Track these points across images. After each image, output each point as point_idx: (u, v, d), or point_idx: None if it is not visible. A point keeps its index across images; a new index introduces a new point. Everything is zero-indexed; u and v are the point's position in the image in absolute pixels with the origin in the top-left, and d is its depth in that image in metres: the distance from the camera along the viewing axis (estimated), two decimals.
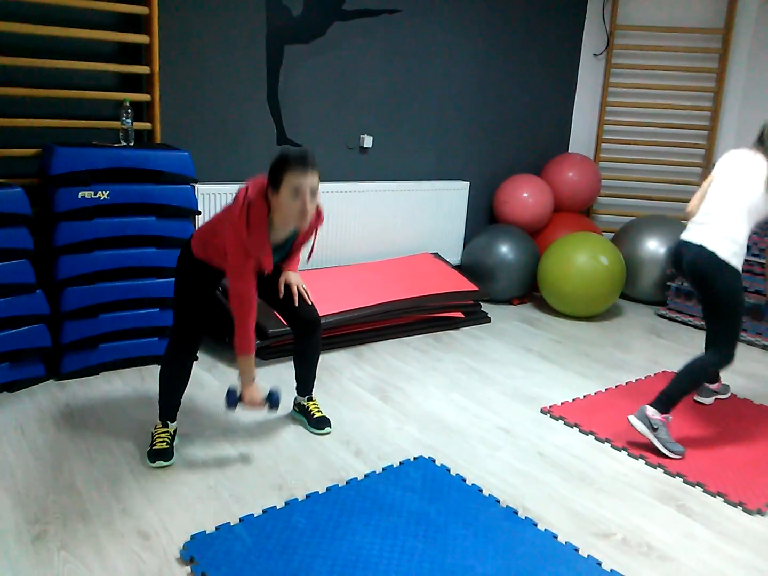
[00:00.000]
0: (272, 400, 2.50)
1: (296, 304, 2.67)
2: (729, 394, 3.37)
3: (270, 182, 2.27)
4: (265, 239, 2.31)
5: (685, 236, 2.89)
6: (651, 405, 2.80)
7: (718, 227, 2.76)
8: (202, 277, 2.49)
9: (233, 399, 2.46)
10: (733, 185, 2.81)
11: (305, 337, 2.75)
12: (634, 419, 2.81)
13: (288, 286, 2.67)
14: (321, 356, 3.55)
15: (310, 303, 2.72)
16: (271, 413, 2.62)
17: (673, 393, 2.81)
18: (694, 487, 2.57)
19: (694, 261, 2.80)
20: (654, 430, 2.78)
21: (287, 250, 2.58)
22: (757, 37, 5.02)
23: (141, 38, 3.32)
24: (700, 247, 2.78)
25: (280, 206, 2.26)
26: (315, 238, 2.62)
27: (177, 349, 2.53)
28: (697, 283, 2.84)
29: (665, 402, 2.80)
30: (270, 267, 2.39)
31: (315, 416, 2.82)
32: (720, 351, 2.81)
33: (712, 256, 2.74)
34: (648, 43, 5.27)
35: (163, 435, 2.54)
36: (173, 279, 3.19)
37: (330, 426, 2.81)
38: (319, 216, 2.52)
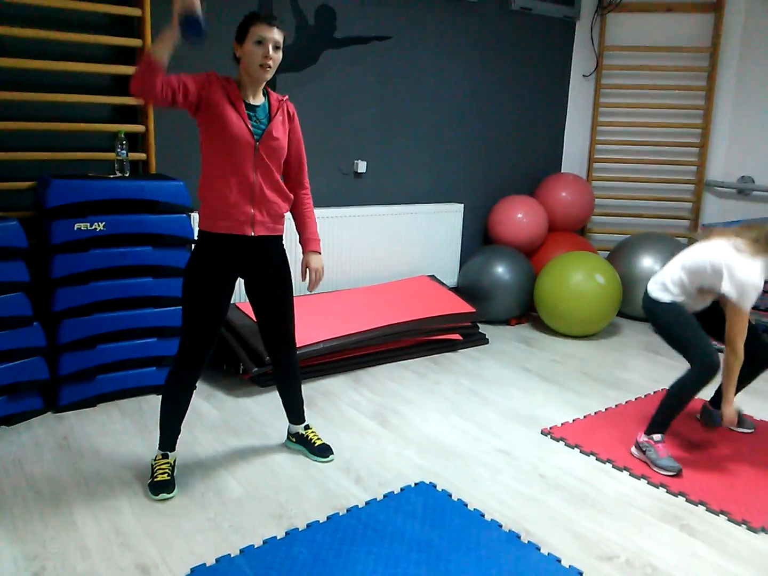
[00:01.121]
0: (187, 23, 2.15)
1: (310, 290, 2.61)
2: (750, 430, 3.23)
3: (237, 38, 2.36)
4: (234, 85, 2.39)
5: None
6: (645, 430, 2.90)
7: (660, 274, 2.98)
8: (215, 270, 2.41)
9: (191, 21, 2.16)
10: (689, 250, 2.94)
11: (279, 359, 2.71)
12: (632, 449, 2.93)
13: (309, 271, 2.61)
14: (319, 381, 3.57)
15: (290, 324, 2.65)
16: (195, 41, 2.21)
17: (658, 415, 2.87)
18: (696, 506, 2.55)
19: (642, 305, 3.05)
20: (643, 452, 2.85)
21: (265, 123, 2.44)
22: (744, 54, 5.08)
23: (134, 70, 3.34)
24: (645, 292, 3.01)
25: (245, 57, 2.34)
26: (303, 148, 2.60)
27: (183, 367, 2.47)
28: (651, 322, 3.04)
29: (652, 425, 2.87)
30: (244, 114, 2.37)
31: (317, 444, 2.80)
32: (694, 367, 2.80)
33: (648, 297, 2.97)
34: (636, 62, 5.32)
35: (164, 466, 2.52)
36: (170, 308, 3.24)
37: (333, 453, 2.79)
38: (289, 105, 2.55)
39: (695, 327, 2.82)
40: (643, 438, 2.85)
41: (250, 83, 2.40)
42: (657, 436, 2.81)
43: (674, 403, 2.82)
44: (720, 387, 3.16)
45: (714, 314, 2.94)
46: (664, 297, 2.89)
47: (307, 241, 2.63)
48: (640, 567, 2.18)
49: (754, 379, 3.08)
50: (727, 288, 2.66)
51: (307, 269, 2.62)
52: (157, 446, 2.58)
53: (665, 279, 2.91)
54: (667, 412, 2.84)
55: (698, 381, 2.77)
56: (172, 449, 2.58)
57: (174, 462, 2.57)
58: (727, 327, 2.73)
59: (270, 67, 2.35)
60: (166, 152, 3.58)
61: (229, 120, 2.35)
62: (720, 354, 2.75)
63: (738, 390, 3.14)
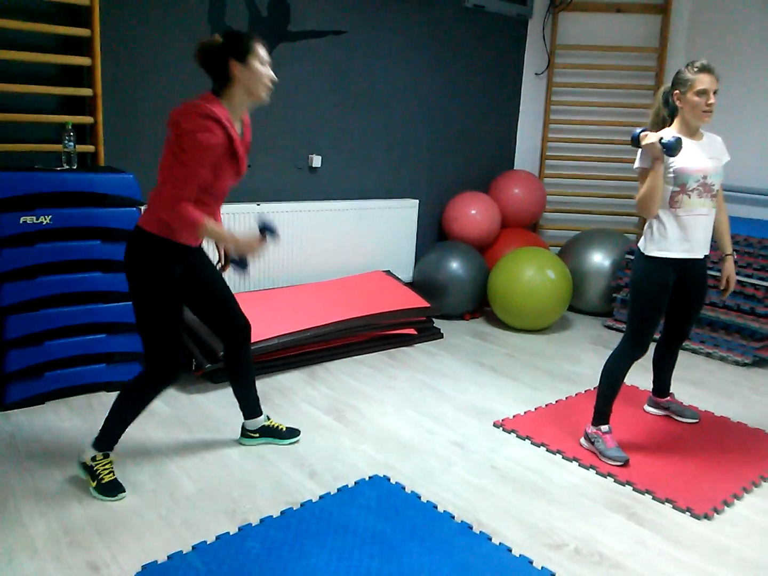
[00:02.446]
0: (266, 229, 2.36)
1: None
2: (695, 420, 3.27)
3: (235, 56, 2.27)
4: (225, 109, 2.30)
5: None
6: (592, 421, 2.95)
7: None
8: (167, 268, 2.34)
9: (241, 263, 2.36)
10: None
11: (237, 348, 2.67)
12: (581, 440, 2.98)
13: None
14: (274, 377, 3.56)
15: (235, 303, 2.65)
16: (275, 241, 2.39)
17: (597, 403, 2.92)
18: (643, 494, 2.62)
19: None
20: (591, 443, 2.91)
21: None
22: (689, 55, 5.20)
23: (83, 60, 3.28)
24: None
25: (250, 76, 2.30)
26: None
27: (155, 378, 2.40)
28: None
29: (596, 415, 2.93)
30: (241, 147, 2.35)
31: (284, 429, 2.87)
32: (626, 342, 2.85)
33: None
34: (587, 61, 5.42)
35: (108, 466, 2.45)
36: (120, 303, 3.18)
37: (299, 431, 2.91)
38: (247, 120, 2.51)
39: (656, 310, 2.76)
40: (591, 429, 2.92)
41: (243, 103, 2.36)
42: (604, 427, 2.88)
43: (608, 383, 2.88)
44: (655, 378, 3.28)
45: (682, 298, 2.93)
46: (650, 246, 2.75)
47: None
48: (588, 555, 2.24)
49: (675, 355, 3.20)
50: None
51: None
52: (97, 446, 2.45)
53: (648, 222, 2.79)
54: (605, 396, 2.89)
55: (628, 357, 2.84)
56: (113, 449, 2.50)
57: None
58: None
59: (271, 88, 2.37)
60: (116, 144, 3.52)
61: (229, 164, 2.33)
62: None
63: (669, 373, 3.26)
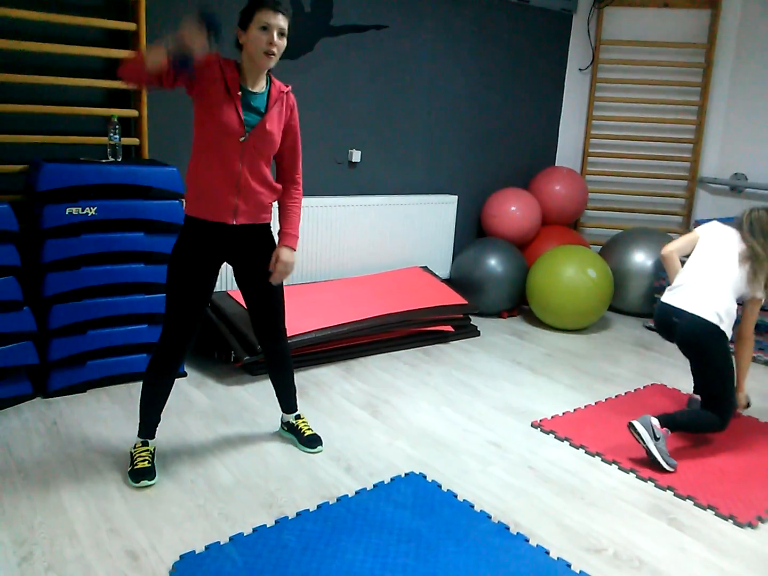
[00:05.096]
0: (207, 20, 2.10)
1: (271, 280, 2.52)
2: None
3: (240, 24, 2.34)
4: (232, 61, 2.37)
5: (674, 302, 2.94)
6: (657, 417, 2.82)
7: (713, 299, 2.85)
8: (197, 255, 2.39)
9: (181, 59, 2.13)
10: (721, 259, 2.93)
11: (270, 350, 2.70)
12: (638, 424, 2.78)
13: (277, 262, 2.50)
14: (310, 371, 3.56)
15: (278, 301, 2.62)
16: (213, 44, 2.19)
17: (680, 419, 2.86)
18: (684, 500, 2.57)
19: (692, 330, 2.87)
20: (656, 439, 2.77)
21: (261, 114, 2.40)
22: (740, 51, 5.08)
23: (129, 54, 3.32)
24: (696, 317, 2.85)
25: (249, 44, 2.31)
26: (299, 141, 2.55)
27: (164, 355, 2.46)
28: (692, 352, 2.93)
29: (669, 421, 2.83)
30: (238, 107, 2.32)
31: (306, 434, 2.79)
32: (716, 417, 2.86)
33: (708, 325, 2.82)
34: (633, 57, 5.32)
35: (143, 453, 2.50)
36: (161, 294, 3.22)
37: (321, 444, 2.78)
38: (290, 98, 2.51)
39: (734, 379, 2.88)
40: (660, 426, 2.80)
41: (252, 70, 2.37)
42: (667, 431, 2.80)
43: (695, 425, 2.92)
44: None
45: None
46: (722, 327, 2.84)
47: (284, 235, 2.54)
48: (627, 560, 2.20)
49: None
50: (760, 294, 2.90)
51: (276, 261, 2.50)
52: (137, 434, 2.56)
53: (718, 308, 2.84)
54: (687, 424, 2.90)
55: (710, 428, 2.89)
56: (152, 437, 2.56)
57: (154, 450, 2.56)
58: (749, 320, 2.98)
59: (274, 54, 2.32)
60: (159, 137, 3.56)
61: (220, 108, 2.31)
62: None
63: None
